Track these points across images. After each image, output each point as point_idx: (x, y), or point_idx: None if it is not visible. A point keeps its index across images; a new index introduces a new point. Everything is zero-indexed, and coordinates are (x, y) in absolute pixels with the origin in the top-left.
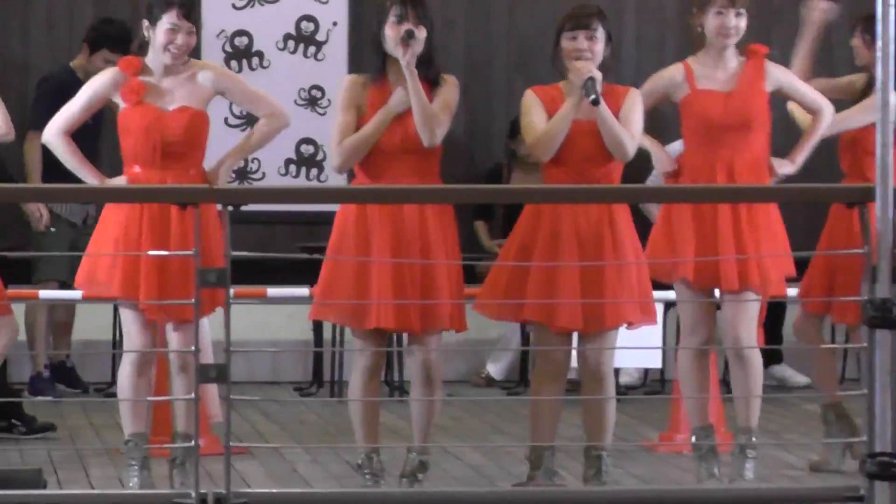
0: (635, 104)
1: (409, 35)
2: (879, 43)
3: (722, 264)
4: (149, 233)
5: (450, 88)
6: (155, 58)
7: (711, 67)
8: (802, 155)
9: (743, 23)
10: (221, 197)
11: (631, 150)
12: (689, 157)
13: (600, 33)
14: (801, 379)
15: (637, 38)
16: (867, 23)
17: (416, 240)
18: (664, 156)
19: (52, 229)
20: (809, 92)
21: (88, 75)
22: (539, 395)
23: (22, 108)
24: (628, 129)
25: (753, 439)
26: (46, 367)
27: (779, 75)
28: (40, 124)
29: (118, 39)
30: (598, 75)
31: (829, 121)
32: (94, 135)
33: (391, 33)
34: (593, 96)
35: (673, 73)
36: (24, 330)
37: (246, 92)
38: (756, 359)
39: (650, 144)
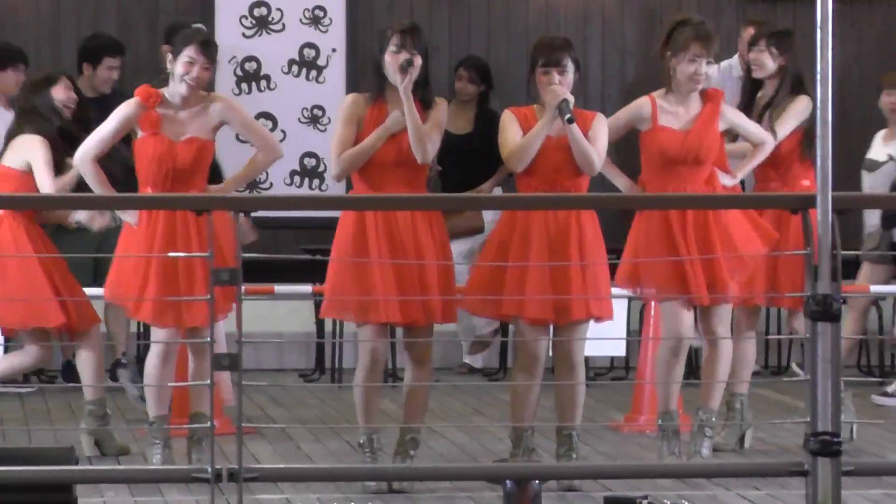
0: (601, 126)
1: (409, 63)
2: (819, 66)
3: (696, 286)
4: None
5: (440, 111)
6: (173, 88)
7: (675, 105)
8: (742, 173)
9: (712, 70)
10: (233, 204)
11: (597, 166)
12: (646, 183)
13: (570, 66)
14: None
15: (601, 63)
16: (775, 37)
17: (410, 244)
18: (628, 183)
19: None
20: (754, 128)
21: (96, 88)
22: (519, 385)
23: None
24: (595, 147)
25: (713, 419)
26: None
27: (730, 116)
28: None
29: (112, 44)
30: (571, 98)
31: (769, 150)
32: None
33: (390, 61)
34: (568, 115)
35: (640, 106)
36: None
37: (246, 124)
38: (727, 349)
39: (615, 174)
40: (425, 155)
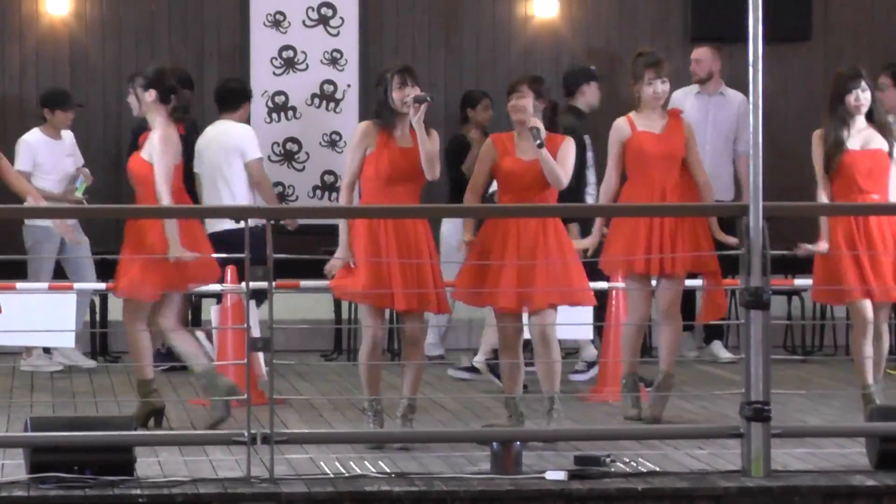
0: (570, 148)
1: (424, 99)
2: (751, 98)
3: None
4: None
5: (436, 140)
6: None
7: (646, 118)
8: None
9: (667, 87)
10: (265, 213)
11: (564, 181)
12: (630, 183)
13: (527, 92)
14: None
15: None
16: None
17: (413, 245)
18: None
19: None
20: (700, 161)
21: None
22: (504, 363)
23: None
24: (563, 166)
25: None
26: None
27: (691, 130)
28: None
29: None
30: (541, 125)
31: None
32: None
33: (397, 97)
34: (539, 141)
35: (619, 126)
36: None
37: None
38: (678, 326)
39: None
40: (435, 174)
